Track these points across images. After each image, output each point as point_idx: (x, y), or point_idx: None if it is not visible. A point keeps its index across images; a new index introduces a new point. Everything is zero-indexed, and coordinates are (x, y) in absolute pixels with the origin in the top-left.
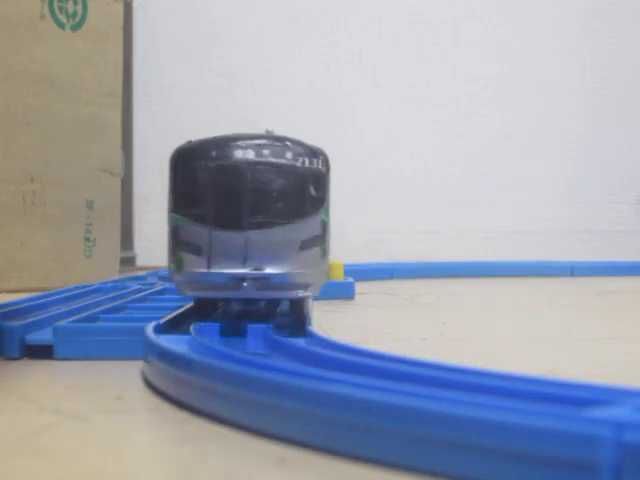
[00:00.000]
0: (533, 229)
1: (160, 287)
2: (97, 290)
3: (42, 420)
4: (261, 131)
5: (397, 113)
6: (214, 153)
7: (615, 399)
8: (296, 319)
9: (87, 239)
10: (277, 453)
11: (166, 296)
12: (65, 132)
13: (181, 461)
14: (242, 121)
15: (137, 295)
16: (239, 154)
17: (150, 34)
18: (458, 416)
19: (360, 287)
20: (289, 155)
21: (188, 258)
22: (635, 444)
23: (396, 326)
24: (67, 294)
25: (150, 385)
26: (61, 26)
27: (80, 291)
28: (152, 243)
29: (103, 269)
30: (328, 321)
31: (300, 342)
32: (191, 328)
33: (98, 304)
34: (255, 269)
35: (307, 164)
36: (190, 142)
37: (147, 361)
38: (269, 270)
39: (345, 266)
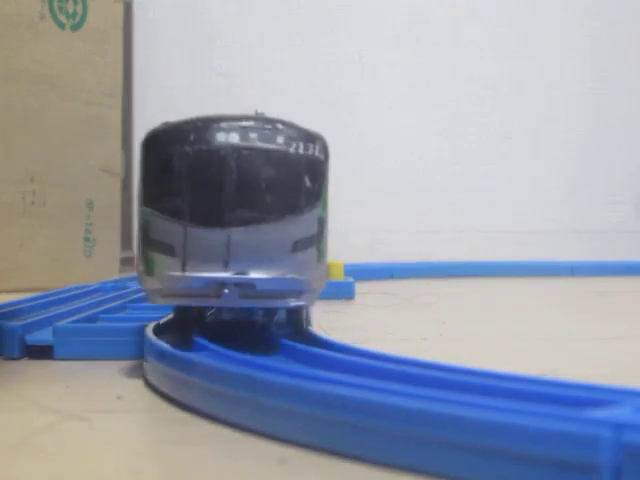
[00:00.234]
0: (533, 229)
1: None
2: (97, 290)
3: (42, 420)
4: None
5: (397, 113)
6: (192, 137)
7: (615, 399)
8: (294, 331)
9: (87, 239)
10: (277, 453)
11: None
12: (65, 132)
13: (181, 461)
14: None
15: (137, 295)
16: (221, 138)
17: (150, 34)
18: (458, 417)
19: (360, 287)
20: (280, 139)
21: (160, 259)
22: (635, 444)
23: (396, 326)
24: (67, 294)
25: (150, 385)
26: (61, 26)
27: (80, 291)
28: None
29: (103, 269)
30: (328, 321)
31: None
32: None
33: (98, 304)
34: (238, 273)
35: (302, 150)
36: (166, 124)
37: (147, 361)
38: (255, 275)
39: (345, 266)
